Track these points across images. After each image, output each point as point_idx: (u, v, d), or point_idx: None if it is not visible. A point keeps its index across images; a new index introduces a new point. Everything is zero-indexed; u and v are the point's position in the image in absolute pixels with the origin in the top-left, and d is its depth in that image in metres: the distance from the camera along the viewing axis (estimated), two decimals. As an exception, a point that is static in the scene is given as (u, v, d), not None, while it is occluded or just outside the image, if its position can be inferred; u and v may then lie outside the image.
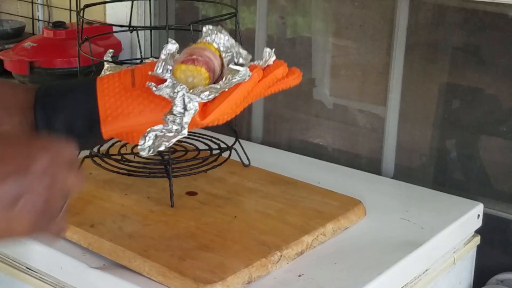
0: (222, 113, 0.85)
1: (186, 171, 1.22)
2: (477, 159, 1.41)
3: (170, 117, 0.82)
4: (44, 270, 1.10)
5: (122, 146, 1.33)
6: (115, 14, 1.83)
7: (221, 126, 1.46)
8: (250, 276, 0.99)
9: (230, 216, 1.15)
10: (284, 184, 1.27)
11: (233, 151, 1.29)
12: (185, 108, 0.82)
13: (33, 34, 2.09)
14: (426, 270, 1.16)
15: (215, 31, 0.90)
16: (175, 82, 0.82)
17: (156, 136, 0.82)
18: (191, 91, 0.83)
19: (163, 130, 0.82)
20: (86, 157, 1.27)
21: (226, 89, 0.84)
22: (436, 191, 1.32)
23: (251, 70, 0.85)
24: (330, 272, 1.04)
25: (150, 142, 0.82)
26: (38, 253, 1.10)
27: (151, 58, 1.33)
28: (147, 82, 0.82)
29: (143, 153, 0.83)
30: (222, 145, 1.32)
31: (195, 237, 1.07)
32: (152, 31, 1.46)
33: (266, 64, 0.88)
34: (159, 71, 0.84)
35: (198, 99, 0.82)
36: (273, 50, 0.88)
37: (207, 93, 0.83)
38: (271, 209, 1.17)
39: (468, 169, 1.42)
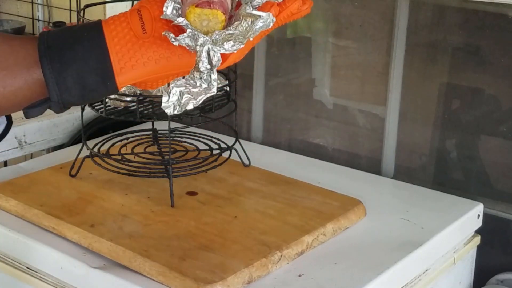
0: (240, 56, 0.80)
1: (186, 171, 1.22)
2: (477, 159, 1.41)
3: (197, 74, 0.76)
4: (44, 270, 1.10)
5: (122, 146, 1.33)
6: (115, 14, 1.82)
7: (221, 126, 1.47)
8: (250, 276, 0.99)
9: (230, 216, 1.15)
10: (284, 184, 1.27)
11: (233, 151, 1.29)
12: (211, 63, 0.76)
13: (33, 34, 2.09)
14: (426, 270, 1.16)
15: None
16: (195, 32, 0.76)
17: (181, 93, 0.77)
18: (209, 36, 0.77)
19: (187, 86, 0.77)
20: (86, 157, 1.27)
21: (251, 38, 0.77)
22: (436, 191, 1.32)
23: (268, 9, 0.79)
24: (330, 272, 1.04)
25: (175, 98, 0.77)
26: (38, 253, 1.10)
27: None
28: (163, 32, 0.76)
29: (169, 111, 0.76)
30: (222, 145, 1.32)
31: (195, 237, 1.07)
32: (152, 31, 1.46)
33: None
34: (169, 12, 0.78)
35: (222, 51, 0.76)
36: None
37: (231, 43, 0.76)
38: (271, 209, 1.17)
39: (468, 169, 1.42)
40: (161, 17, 0.77)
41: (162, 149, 1.31)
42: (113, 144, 1.33)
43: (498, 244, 1.37)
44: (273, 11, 0.79)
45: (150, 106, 1.25)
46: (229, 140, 1.31)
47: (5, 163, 1.55)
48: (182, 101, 0.77)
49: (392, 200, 1.29)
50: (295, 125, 1.64)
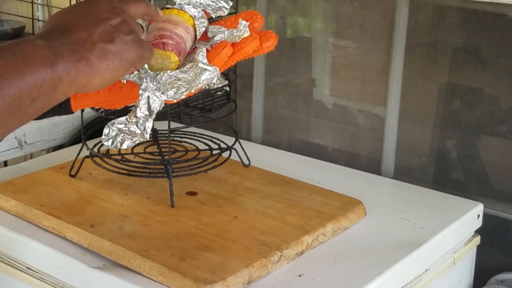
0: (192, 94, 0.85)
1: (186, 171, 1.22)
2: (477, 159, 1.41)
3: (133, 119, 0.80)
4: (44, 270, 1.10)
5: (122, 146, 1.33)
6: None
7: (221, 126, 1.47)
8: (250, 276, 0.99)
9: (230, 216, 1.15)
10: (284, 184, 1.27)
11: (233, 151, 1.29)
12: (149, 110, 0.80)
13: (33, 34, 2.09)
14: (426, 270, 1.16)
15: None
16: (142, 75, 0.81)
17: (119, 130, 0.81)
18: (161, 74, 0.80)
19: (127, 125, 0.81)
20: (86, 157, 1.27)
21: (193, 90, 0.82)
22: (436, 191, 1.32)
23: (220, 49, 0.84)
24: (330, 272, 1.04)
25: (114, 134, 0.81)
26: (38, 253, 1.10)
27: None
28: None
29: (106, 144, 0.81)
30: (222, 145, 1.32)
31: (195, 237, 1.07)
32: (152, 31, 1.46)
33: (241, 39, 0.87)
34: None
35: (164, 97, 0.81)
36: (248, 23, 0.88)
37: (173, 91, 0.81)
38: (271, 209, 1.17)
39: (468, 169, 1.42)
40: None
41: (162, 149, 1.31)
42: (113, 144, 1.33)
43: (498, 244, 1.37)
44: (226, 51, 0.84)
45: (150, 106, 1.25)
46: (229, 140, 1.31)
47: (5, 163, 1.55)
48: (119, 139, 0.82)
49: (392, 200, 1.29)
50: (295, 125, 1.64)
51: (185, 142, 1.37)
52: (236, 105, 1.30)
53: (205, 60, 0.83)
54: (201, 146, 1.34)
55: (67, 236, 1.10)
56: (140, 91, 0.80)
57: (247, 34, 0.87)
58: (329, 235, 1.13)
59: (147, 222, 1.12)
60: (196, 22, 0.86)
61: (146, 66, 0.81)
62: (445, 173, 1.44)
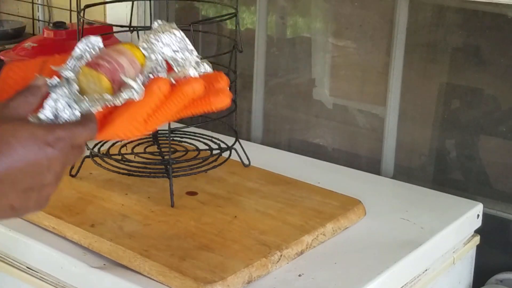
0: (121, 130, 0.76)
1: (186, 171, 1.22)
2: (476, 159, 1.41)
3: (34, 119, 0.72)
4: (45, 270, 1.10)
5: (122, 146, 1.33)
6: (115, 14, 1.83)
7: (221, 126, 1.47)
8: (250, 276, 0.99)
9: (230, 216, 1.15)
10: (284, 184, 1.27)
11: (233, 151, 1.29)
12: (56, 117, 0.73)
13: (34, 34, 2.09)
14: (426, 270, 1.16)
15: (160, 31, 0.80)
16: (58, 83, 0.75)
17: None
18: (86, 97, 0.74)
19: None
20: (86, 157, 1.28)
21: (114, 103, 0.74)
22: (436, 191, 1.33)
23: (154, 83, 0.75)
24: (330, 272, 1.04)
25: None
26: (38, 253, 1.10)
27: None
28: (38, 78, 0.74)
29: None
30: (222, 145, 1.32)
31: (195, 237, 1.08)
32: (152, 31, 1.46)
33: (199, 74, 0.78)
34: (68, 65, 0.76)
35: (76, 107, 0.74)
36: (204, 62, 0.79)
37: (86, 104, 0.74)
38: (271, 209, 1.18)
39: (468, 169, 1.42)
40: (52, 67, 0.76)
41: (162, 149, 1.31)
42: (113, 144, 1.34)
43: (497, 244, 1.37)
44: (160, 87, 0.76)
45: (150, 106, 1.25)
46: (229, 140, 1.32)
47: (5, 163, 1.55)
48: None
49: (392, 200, 1.29)
50: (295, 125, 1.64)
51: (185, 142, 1.38)
52: (236, 105, 1.30)
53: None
54: (201, 146, 1.34)
55: (67, 236, 1.10)
56: (51, 92, 0.74)
57: (209, 69, 0.79)
58: (329, 234, 1.13)
59: (147, 222, 1.12)
60: (147, 62, 0.78)
61: (77, 87, 0.75)
62: (444, 173, 1.44)
